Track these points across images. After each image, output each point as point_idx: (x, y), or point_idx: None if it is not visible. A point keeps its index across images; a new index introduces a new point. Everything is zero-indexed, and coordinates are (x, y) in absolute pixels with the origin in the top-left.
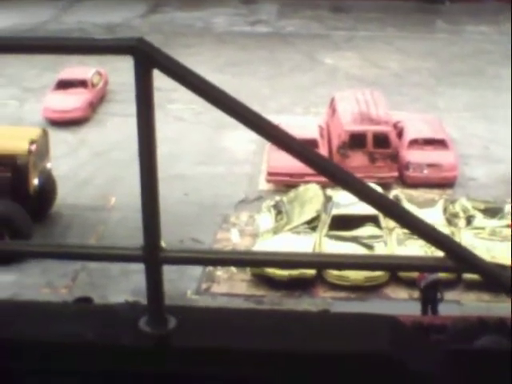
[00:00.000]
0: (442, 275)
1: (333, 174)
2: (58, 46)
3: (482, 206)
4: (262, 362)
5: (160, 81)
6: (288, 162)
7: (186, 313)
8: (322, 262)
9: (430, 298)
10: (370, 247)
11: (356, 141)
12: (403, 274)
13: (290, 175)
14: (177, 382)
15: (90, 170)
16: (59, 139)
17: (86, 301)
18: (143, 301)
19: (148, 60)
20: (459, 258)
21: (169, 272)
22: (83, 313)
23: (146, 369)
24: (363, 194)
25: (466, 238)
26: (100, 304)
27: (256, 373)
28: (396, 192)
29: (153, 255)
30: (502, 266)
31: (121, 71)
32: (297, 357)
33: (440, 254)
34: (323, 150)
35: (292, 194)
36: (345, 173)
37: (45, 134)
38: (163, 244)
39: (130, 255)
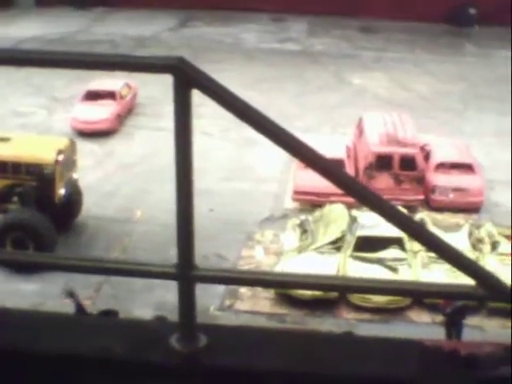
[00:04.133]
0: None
1: (360, 194)
2: (98, 61)
3: (508, 232)
4: (291, 383)
5: None
6: (314, 182)
7: (217, 331)
8: (347, 286)
9: (454, 323)
10: (394, 269)
11: (382, 162)
12: (427, 299)
13: (316, 194)
14: None
15: (116, 182)
16: (86, 150)
17: (111, 314)
18: (168, 315)
19: (188, 79)
20: (488, 286)
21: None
22: (113, 327)
23: None
24: (390, 215)
25: (490, 263)
26: (130, 319)
27: None
28: (421, 215)
29: (186, 273)
30: None
31: (150, 84)
32: (325, 380)
33: (464, 280)
34: (350, 171)
35: (317, 213)
36: (372, 193)
37: (72, 144)
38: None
39: (164, 272)
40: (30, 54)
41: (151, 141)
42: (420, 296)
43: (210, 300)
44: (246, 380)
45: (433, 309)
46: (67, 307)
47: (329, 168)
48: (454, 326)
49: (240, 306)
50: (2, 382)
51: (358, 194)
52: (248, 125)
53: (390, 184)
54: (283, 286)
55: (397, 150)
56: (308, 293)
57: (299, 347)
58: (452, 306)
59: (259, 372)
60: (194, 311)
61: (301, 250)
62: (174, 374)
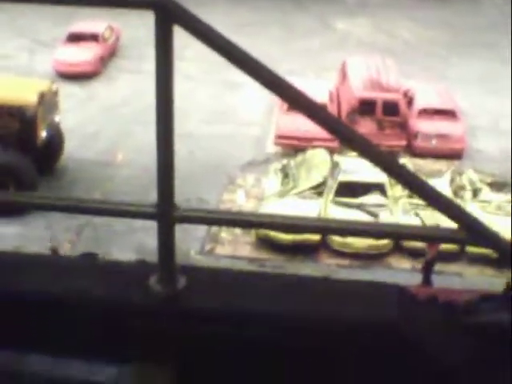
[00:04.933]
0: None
1: (345, 135)
2: None
3: (489, 180)
4: (270, 324)
5: None
6: (297, 126)
7: (196, 273)
8: (328, 228)
9: (431, 269)
10: (375, 215)
11: (365, 107)
12: (407, 244)
13: (299, 139)
14: (185, 340)
15: (99, 125)
16: (68, 93)
17: (91, 256)
18: (150, 259)
19: (170, 16)
20: (471, 230)
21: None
22: (92, 268)
23: (154, 327)
24: (375, 157)
25: (471, 210)
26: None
27: (263, 334)
28: (403, 161)
29: (166, 213)
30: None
31: (134, 26)
32: (303, 320)
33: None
34: None
35: (299, 158)
36: (357, 135)
37: (54, 86)
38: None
39: (143, 212)
40: None
41: (134, 83)
42: (401, 238)
43: (191, 244)
44: (225, 321)
45: (413, 255)
46: (48, 251)
47: (313, 108)
48: (431, 272)
49: (220, 250)
50: None
51: (343, 135)
52: (232, 63)
53: (372, 129)
54: (264, 227)
55: (380, 95)
56: (288, 237)
57: (278, 289)
58: (433, 252)
59: (238, 313)
60: (173, 252)
61: (282, 194)
62: (154, 315)
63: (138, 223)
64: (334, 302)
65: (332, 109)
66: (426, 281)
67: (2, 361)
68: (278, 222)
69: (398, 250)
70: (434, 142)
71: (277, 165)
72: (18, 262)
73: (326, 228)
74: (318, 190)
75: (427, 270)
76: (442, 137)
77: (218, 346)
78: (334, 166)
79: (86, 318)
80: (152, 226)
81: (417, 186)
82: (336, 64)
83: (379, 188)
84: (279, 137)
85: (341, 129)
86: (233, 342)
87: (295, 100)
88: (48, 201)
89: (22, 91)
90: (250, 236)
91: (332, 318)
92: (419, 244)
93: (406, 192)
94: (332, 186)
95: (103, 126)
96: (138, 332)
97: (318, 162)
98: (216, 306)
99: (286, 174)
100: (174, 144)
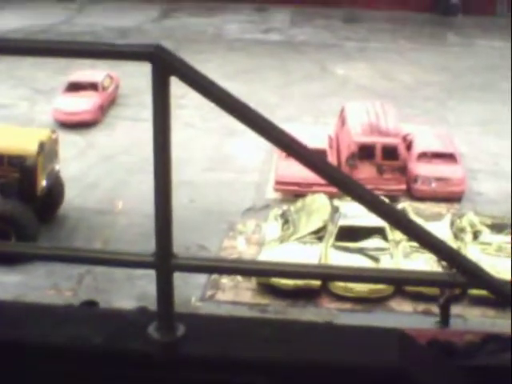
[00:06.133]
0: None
1: (342, 184)
2: (76, 50)
3: (489, 222)
4: (269, 372)
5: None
6: (296, 172)
7: (194, 320)
8: (329, 274)
9: (447, 312)
10: (375, 259)
11: (365, 152)
12: (408, 288)
13: (298, 185)
14: None
15: (98, 174)
16: (68, 141)
17: (91, 304)
18: (150, 306)
19: (166, 67)
20: (469, 273)
21: (173, 278)
22: (91, 317)
23: (153, 375)
24: (372, 204)
25: (472, 253)
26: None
27: (262, 381)
28: (403, 205)
29: (165, 262)
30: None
31: (132, 76)
32: (304, 367)
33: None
34: (332, 161)
35: (299, 203)
36: (354, 183)
37: (54, 135)
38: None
39: (141, 261)
40: (7, 42)
41: (133, 132)
42: (401, 283)
43: (192, 291)
44: (224, 369)
45: (414, 298)
46: (49, 299)
47: (310, 157)
48: (447, 314)
49: (221, 296)
50: None
51: (341, 183)
52: (227, 113)
53: (372, 174)
54: (264, 275)
55: (379, 140)
56: (290, 283)
57: (277, 336)
58: (445, 295)
59: (237, 361)
60: (172, 300)
61: (283, 240)
62: (153, 363)
63: (138, 271)
64: (334, 348)
65: (331, 154)
66: (444, 322)
67: None
68: (279, 269)
69: (399, 293)
70: (433, 185)
71: (277, 211)
72: (18, 312)
73: (326, 274)
74: (319, 234)
75: (445, 311)
76: (441, 180)
77: None
78: (334, 210)
79: (85, 366)
80: (152, 273)
81: (414, 232)
82: (335, 109)
83: (380, 232)
84: (279, 183)
85: (336, 175)
86: None
87: (291, 148)
88: (48, 251)
89: (22, 140)
90: (251, 282)
91: (332, 364)
92: (420, 287)
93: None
94: (332, 230)
95: (103, 174)
96: (137, 380)
97: (317, 207)
98: (215, 353)
99: (286, 219)
100: (171, 192)
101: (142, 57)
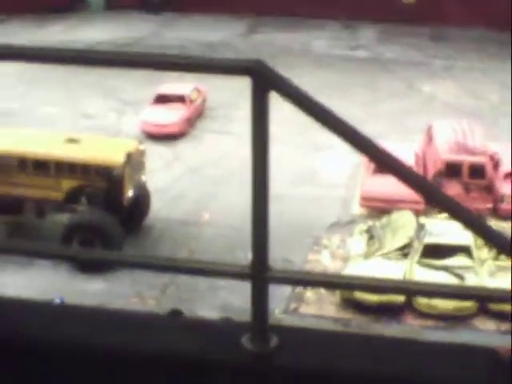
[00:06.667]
0: None
1: (434, 197)
2: (176, 63)
3: None
4: None
5: None
6: (382, 188)
7: (288, 332)
8: (413, 290)
9: None
10: (460, 277)
11: (452, 170)
12: (493, 307)
13: (384, 201)
14: None
15: (185, 185)
16: (155, 153)
17: (177, 313)
18: (233, 317)
19: (266, 82)
20: None
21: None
22: (183, 326)
23: None
24: (466, 220)
25: None
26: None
27: None
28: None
29: (261, 274)
30: None
31: (220, 89)
32: (390, 382)
33: None
34: None
35: (385, 219)
36: (446, 196)
37: (141, 146)
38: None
39: (238, 272)
40: (110, 54)
41: (220, 144)
42: (486, 300)
43: (275, 303)
44: (316, 381)
45: (498, 317)
46: (133, 307)
47: (402, 169)
48: None
49: (305, 309)
50: (75, 380)
51: (433, 196)
52: (326, 128)
53: (458, 192)
54: (355, 289)
55: (466, 158)
56: (374, 298)
57: (368, 350)
58: None
59: (329, 374)
60: (266, 312)
61: (368, 255)
62: (246, 374)
63: (221, 281)
64: (422, 364)
65: (418, 171)
66: None
67: None
68: (368, 284)
69: (483, 311)
70: None
71: (362, 226)
72: (108, 319)
73: (410, 290)
74: (404, 251)
75: None
76: None
77: None
78: (420, 227)
79: (178, 376)
80: (235, 284)
81: (506, 247)
82: (421, 127)
83: (465, 250)
84: (365, 199)
85: (429, 189)
86: None
87: (385, 162)
88: (141, 260)
89: (110, 151)
90: (335, 296)
91: (421, 380)
92: (505, 306)
93: (492, 254)
94: (418, 247)
95: (189, 186)
96: None
97: (403, 224)
98: (307, 366)
99: (371, 235)
100: (268, 206)
101: (242, 71)
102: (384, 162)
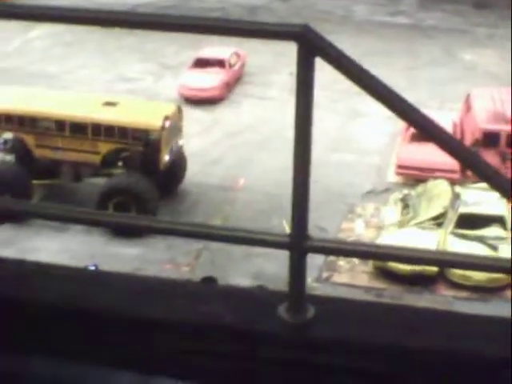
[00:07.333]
0: None
1: (474, 165)
2: (223, 27)
3: None
4: (395, 358)
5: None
6: (418, 156)
7: (324, 303)
8: (446, 261)
9: None
10: (494, 248)
11: (489, 140)
12: None
13: (420, 169)
14: (312, 370)
15: (221, 150)
16: (193, 117)
17: (210, 281)
18: (266, 284)
19: (312, 47)
20: None
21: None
22: (220, 294)
23: (282, 356)
24: (501, 186)
25: None
26: (236, 286)
27: (387, 368)
28: None
29: (299, 243)
30: None
31: (258, 53)
32: (426, 354)
33: None
34: None
35: (420, 188)
36: (484, 163)
37: (179, 110)
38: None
39: (276, 241)
40: (142, 17)
41: (259, 110)
42: None
43: (308, 272)
44: (353, 352)
45: None
46: (166, 273)
47: (443, 137)
48: None
49: (337, 278)
50: (109, 346)
51: (470, 162)
52: (372, 96)
53: (495, 162)
54: (392, 260)
55: (504, 128)
56: (407, 268)
57: (403, 321)
58: None
59: (365, 345)
60: (304, 282)
61: (402, 224)
62: (282, 343)
63: (256, 249)
64: (457, 336)
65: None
66: None
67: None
68: (408, 254)
69: None
70: None
71: (397, 195)
72: (144, 286)
73: (444, 261)
74: (438, 221)
75: None
76: None
77: (342, 376)
78: (455, 197)
79: (214, 343)
80: (271, 251)
81: None
82: (460, 95)
83: (499, 221)
84: (400, 167)
85: (470, 157)
86: (359, 375)
87: (427, 129)
88: (181, 227)
89: (148, 115)
90: (368, 265)
91: (456, 352)
92: None
93: None
94: (452, 217)
95: (226, 151)
96: (264, 360)
97: (438, 193)
98: (343, 337)
99: (405, 204)
100: (310, 175)
101: (289, 37)
102: (427, 130)
